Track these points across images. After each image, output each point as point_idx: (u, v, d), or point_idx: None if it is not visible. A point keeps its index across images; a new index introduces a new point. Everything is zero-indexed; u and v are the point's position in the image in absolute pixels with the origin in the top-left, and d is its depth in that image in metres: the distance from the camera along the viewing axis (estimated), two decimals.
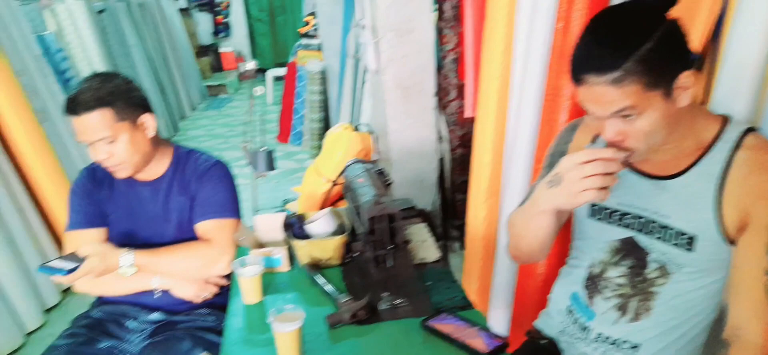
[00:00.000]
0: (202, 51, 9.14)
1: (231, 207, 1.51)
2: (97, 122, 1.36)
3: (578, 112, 1.50)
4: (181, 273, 1.47)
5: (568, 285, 1.22)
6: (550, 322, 1.27)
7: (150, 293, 1.51)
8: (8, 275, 2.45)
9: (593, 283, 1.14)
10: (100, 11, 4.95)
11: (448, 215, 2.31)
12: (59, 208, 2.83)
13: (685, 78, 0.91)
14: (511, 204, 1.77)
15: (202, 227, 1.51)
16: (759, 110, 1.08)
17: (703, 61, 1.27)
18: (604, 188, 0.95)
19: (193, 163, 1.56)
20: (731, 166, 0.95)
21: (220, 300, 1.56)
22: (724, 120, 1.01)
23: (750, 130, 0.98)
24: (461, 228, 2.25)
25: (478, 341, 1.08)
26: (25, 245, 2.61)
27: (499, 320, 1.89)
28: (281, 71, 6.26)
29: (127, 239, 1.52)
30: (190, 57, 7.79)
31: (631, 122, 0.93)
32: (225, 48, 9.39)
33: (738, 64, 1.10)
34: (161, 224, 1.53)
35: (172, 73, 6.67)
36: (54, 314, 2.72)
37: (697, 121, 1.00)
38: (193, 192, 1.52)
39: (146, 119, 1.46)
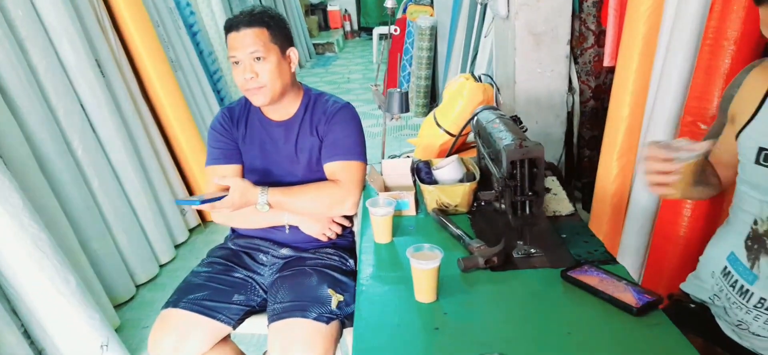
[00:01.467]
0: (310, 10, 9.36)
1: (358, 150, 1.52)
2: (254, 38, 1.45)
3: (743, 61, 1.33)
4: (310, 211, 1.52)
5: (726, 245, 1.10)
6: (702, 286, 1.17)
7: (281, 228, 1.58)
8: (147, 213, 2.68)
9: (758, 241, 1.02)
10: None
11: (573, 173, 2.18)
12: (189, 152, 3.04)
13: None
14: None
15: (330, 168, 1.54)
16: None
17: None
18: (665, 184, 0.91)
19: (323, 105, 1.59)
20: None
21: (344, 242, 1.59)
22: None
23: None
24: (585, 187, 2.13)
25: (628, 296, 1.00)
26: (160, 184, 2.84)
27: None
28: (386, 29, 6.24)
29: (260, 176, 1.58)
30: (300, 15, 8.00)
31: None
32: (332, 7, 9.54)
33: None
34: (292, 163, 1.57)
35: None
36: (183, 250, 2.95)
37: None
38: (322, 133, 1.55)
39: (293, 52, 1.55)
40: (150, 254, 2.69)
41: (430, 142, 2.21)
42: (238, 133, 1.61)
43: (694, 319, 1.15)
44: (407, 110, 1.94)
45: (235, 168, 1.59)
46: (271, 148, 1.59)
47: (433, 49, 4.70)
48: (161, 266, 2.78)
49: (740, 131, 1.05)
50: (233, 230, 1.74)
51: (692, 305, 1.18)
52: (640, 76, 1.63)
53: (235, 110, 1.61)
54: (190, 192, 3.09)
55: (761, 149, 1.00)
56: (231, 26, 1.47)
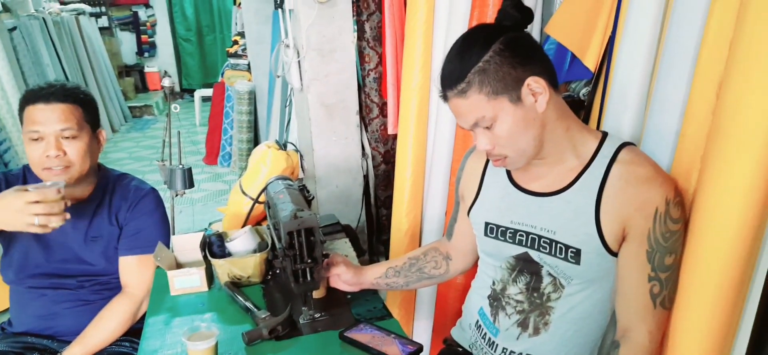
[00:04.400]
0: (125, 71, 8.81)
1: (158, 241, 1.47)
2: (67, 113, 1.35)
3: None
4: (112, 339, 1.44)
5: (477, 299, 1.27)
6: (464, 334, 1.32)
7: (61, 318, 1.45)
8: None
9: (496, 299, 1.20)
10: (12, 29, 4.69)
11: (374, 231, 2.34)
12: None
13: (533, 83, 0.98)
14: (431, 217, 1.83)
15: (126, 262, 1.48)
16: (643, 126, 1.18)
17: (597, 81, 1.38)
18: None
19: (123, 189, 1.51)
20: (608, 180, 1.01)
21: (136, 325, 1.51)
22: (603, 136, 1.07)
23: (625, 145, 1.04)
24: (387, 243, 2.29)
25: (394, 349, 1.10)
26: None
27: (422, 331, 1.93)
28: (209, 92, 6.14)
29: (31, 268, 1.44)
30: (112, 77, 7.49)
31: (493, 131, 1.01)
32: (150, 68, 9.10)
33: (625, 82, 1.21)
34: (81, 250, 1.46)
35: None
36: None
37: (575, 137, 1.06)
38: (123, 221, 1.48)
39: (102, 134, 1.48)
40: None
41: (237, 209, 2.21)
42: None
43: None
44: (191, 186, 1.93)
45: None
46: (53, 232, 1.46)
47: (254, 113, 4.73)
48: None
49: (470, 209, 1.24)
50: (2, 328, 1.55)
51: (460, 350, 1.33)
52: (418, 141, 1.84)
53: (9, 177, 1.47)
54: None
55: (487, 224, 1.19)
56: (36, 98, 1.34)
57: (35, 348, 1.44)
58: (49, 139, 1.33)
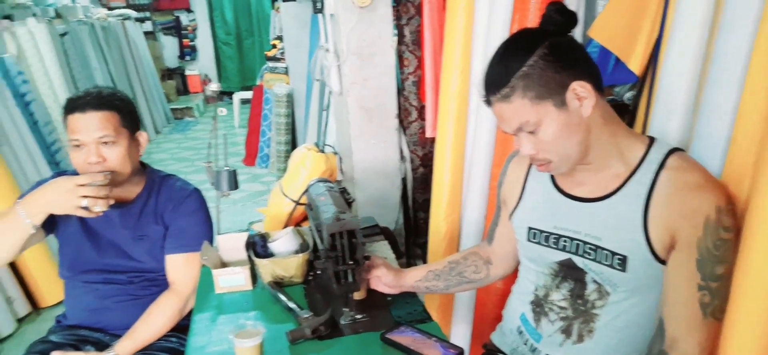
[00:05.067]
0: (167, 74, 9.07)
1: (203, 240, 1.51)
2: (103, 121, 1.39)
3: None
4: (160, 334, 1.49)
5: (518, 305, 1.27)
6: (505, 339, 1.32)
7: (111, 313, 1.51)
8: None
9: (539, 306, 1.19)
10: (63, 34, 4.89)
11: (412, 234, 2.35)
12: None
13: (579, 87, 0.97)
14: (470, 221, 1.83)
15: (172, 260, 1.52)
16: (691, 130, 1.16)
17: (643, 85, 1.36)
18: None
19: (169, 190, 1.56)
20: (656, 187, 0.99)
21: (184, 322, 1.56)
22: (650, 141, 1.05)
23: (674, 150, 1.02)
24: (424, 246, 2.30)
25: (435, 352, 1.11)
26: None
27: (460, 336, 1.93)
28: (248, 94, 6.27)
29: (84, 264, 1.51)
30: (155, 80, 7.73)
31: (537, 136, 1.01)
32: (191, 71, 9.34)
33: (672, 87, 1.19)
34: (128, 248, 1.52)
35: (136, 97, 6.60)
36: (9, 344, 2.64)
37: (622, 142, 1.05)
38: (168, 221, 1.53)
39: (142, 136, 1.52)
40: None
41: (277, 211, 2.26)
42: None
43: None
44: (236, 187, 1.98)
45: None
46: (99, 229, 1.52)
47: (291, 116, 4.80)
48: None
49: (512, 213, 1.24)
50: (58, 321, 1.62)
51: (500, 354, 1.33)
52: (456, 145, 1.84)
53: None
54: (12, 264, 2.78)
55: (530, 228, 1.18)
56: (74, 107, 1.39)
57: (88, 341, 1.51)
58: (90, 147, 1.39)
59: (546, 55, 0.97)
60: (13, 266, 2.80)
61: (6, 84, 3.31)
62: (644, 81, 1.34)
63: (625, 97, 1.40)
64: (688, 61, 1.14)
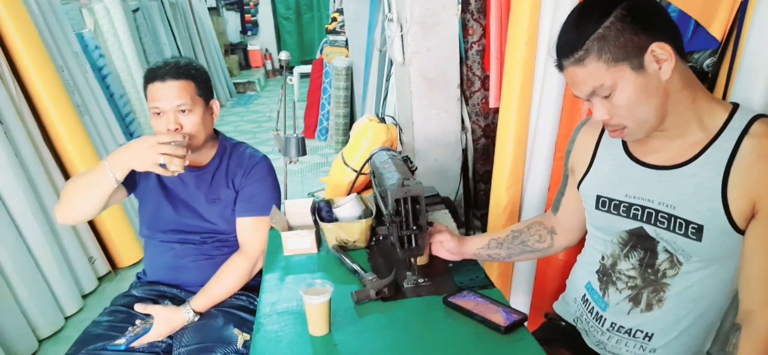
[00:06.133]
0: (230, 49, 9.33)
1: (271, 205, 1.58)
2: (180, 90, 1.47)
3: None
4: (231, 293, 1.57)
5: (583, 274, 1.25)
6: (568, 308, 1.31)
7: (187, 270, 1.61)
8: (50, 263, 2.58)
9: (606, 274, 1.17)
10: (135, 10, 5.12)
11: (471, 205, 2.34)
12: None
13: (658, 49, 0.93)
14: (532, 193, 1.81)
15: (242, 223, 1.59)
16: None
17: (724, 51, 1.29)
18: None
19: (239, 156, 1.63)
20: (738, 154, 0.95)
21: (253, 282, 1.64)
22: (734, 107, 1.00)
23: (758, 117, 0.97)
24: (483, 218, 2.29)
25: (498, 316, 1.12)
26: (65, 232, 2.74)
27: (519, 305, 1.92)
28: (307, 68, 6.37)
29: (162, 223, 1.60)
30: (219, 55, 7.97)
31: (611, 100, 0.98)
32: (253, 46, 9.57)
33: (757, 52, 1.12)
34: (201, 209, 1.60)
35: None
36: (91, 300, 2.85)
37: (702, 108, 1.00)
38: (239, 186, 1.60)
39: (215, 104, 1.60)
40: (54, 306, 2.58)
41: (338, 180, 2.30)
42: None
43: (566, 336, 1.29)
44: (304, 153, 2.03)
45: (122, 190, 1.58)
46: (176, 190, 1.61)
47: (350, 89, 4.85)
48: (67, 318, 2.67)
49: (580, 182, 1.22)
50: (138, 277, 1.74)
51: (563, 324, 1.32)
52: (520, 116, 1.81)
53: None
54: (93, 227, 2.98)
55: (599, 197, 1.16)
56: (154, 77, 1.48)
57: (166, 296, 1.61)
58: (169, 115, 1.48)
59: (624, 16, 0.94)
60: (93, 229, 3.00)
61: (85, 57, 3.51)
62: (726, 47, 1.28)
63: (705, 64, 1.34)
64: None
